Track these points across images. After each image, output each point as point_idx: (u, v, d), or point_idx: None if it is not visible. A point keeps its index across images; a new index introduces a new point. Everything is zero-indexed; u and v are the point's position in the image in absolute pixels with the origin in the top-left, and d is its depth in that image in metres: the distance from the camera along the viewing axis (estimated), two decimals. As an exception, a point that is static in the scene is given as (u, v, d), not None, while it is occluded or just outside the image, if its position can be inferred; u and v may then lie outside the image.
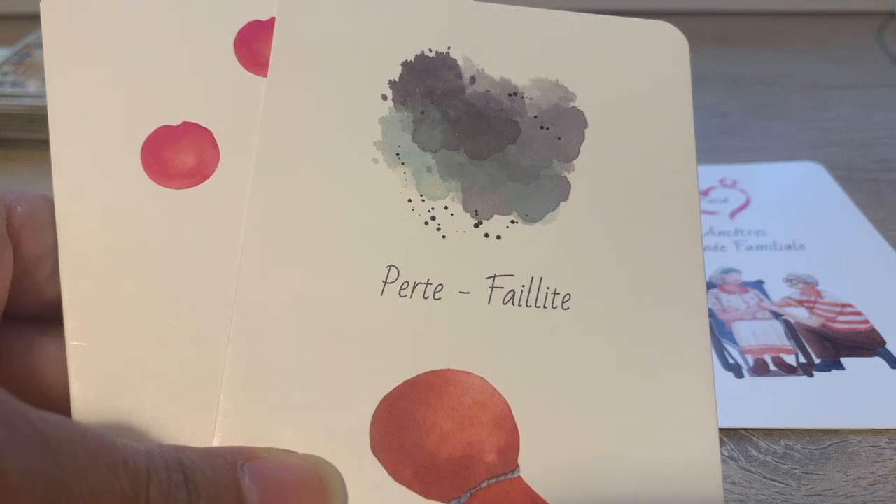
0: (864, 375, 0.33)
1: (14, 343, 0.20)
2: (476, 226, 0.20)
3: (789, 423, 0.31)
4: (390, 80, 0.20)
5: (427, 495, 0.18)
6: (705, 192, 0.47)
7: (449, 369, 0.19)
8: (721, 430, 0.31)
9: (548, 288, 0.20)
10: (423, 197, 0.20)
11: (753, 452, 0.30)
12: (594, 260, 0.20)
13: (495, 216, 0.20)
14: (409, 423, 0.18)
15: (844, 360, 0.34)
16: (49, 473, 0.13)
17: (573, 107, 0.21)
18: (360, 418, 0.18)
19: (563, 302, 0.19)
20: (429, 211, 0.20)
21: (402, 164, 0.20)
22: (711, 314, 0.37)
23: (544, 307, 0.19)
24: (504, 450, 0.18)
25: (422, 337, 0.19)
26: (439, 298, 0.19)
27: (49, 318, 0.20)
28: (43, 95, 0.51)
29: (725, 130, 0.54)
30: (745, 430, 0.31)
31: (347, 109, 0.20)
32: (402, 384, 0.19)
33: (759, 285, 0.39)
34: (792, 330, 0.36)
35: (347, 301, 0.19)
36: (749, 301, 0.38)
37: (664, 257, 0.20)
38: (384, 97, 0.20)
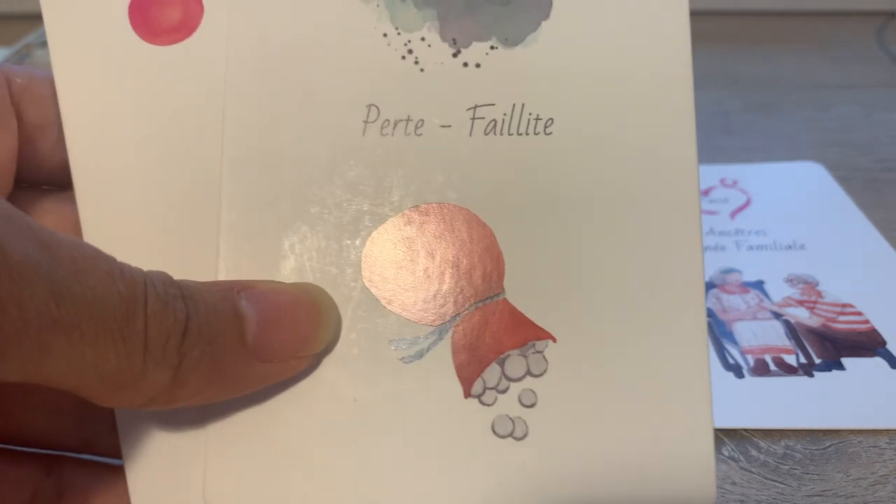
0: (865, 376, 0.33)
1: (23, 209, 0.21)
2: (455, 55, 0.19)
3: (790, 424, 0.31)
4: None
5: (419, 320, 0.19)
6: (705, 192, 0.47)
7: (434, 203, 0.19)
8: (721, 430, 0.31)
9: (530, 114, 0.19)
10: (399, 30, 0.19)
11: (754, 453, 0.30)
12: (577, 80, 0.19)
13: (474, 43, 0.19)
14: (399, 255, 0.19)
15: (845, 361, 0.34)
16: (49, 266, 0.14)
17: None
18: (353, 252, 0.19)
19: (546, 127, 0.19)
20: (405, 44, 0.19)
21: None
22: (711, 314, 0.37)
23: (526, 134, 0.19)
24: (489, 275, 0.19)
25: (405, 173, 0.19)
26: (421, 134, 0.19)
27: (55, 185, 0.21)
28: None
29: (726, 130, 0.54)
30: (746, 430, 0.31)
31: None
32: (389, 221, 0.19)
33: (759, 285, 0.39)
34: (792, 330, 0.36)
35: (330, 144, 0.19)
36: (749, 301, 0.38)
37: (651, 72, 0.19)
38: None
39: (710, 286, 0.39)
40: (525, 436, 0.19)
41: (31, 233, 0.14)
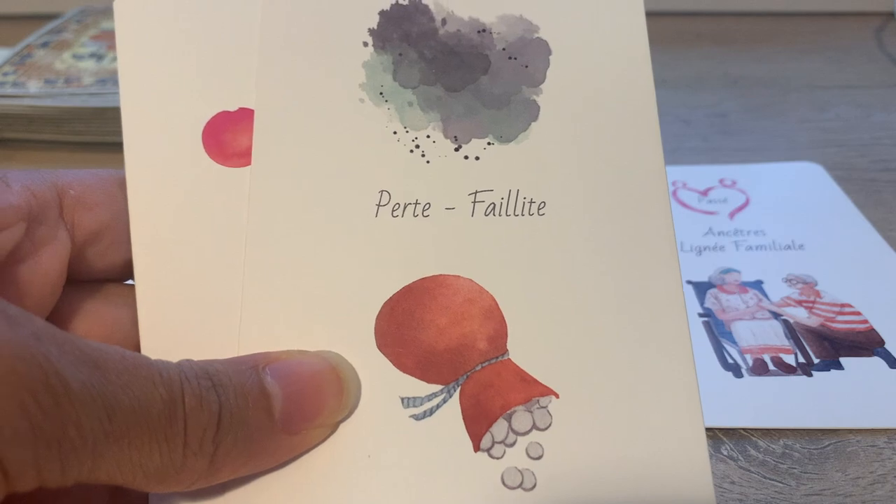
0: (863, 375, 0.33)
1: (70, 307, 0.22)
2: (456, 150, 0.22)
3: (788, 423, 0.31)
4: (369, 29, 0.23)
5: (428, 380, 0.20)
6: (705, 193, 0.47)
7: (440, 274, 0.21)
8: (720, 429, 0.31)
9: (524, 198, 0.22)
10: (407, 129, 0.22)
11: (752, 452, 0.30)
12: (565, 170, 0.22)
13: (473, 140, 0.22)
14: (409, 321, 0.21)
15: (843, 360, 0.34)
16: (101, 385, 0.15)
17: (537, 37, 0.23)
18: (366, 321, 0.21)
19: (539, 209, 0.22)
20: (413, 140, 0.22)
21: (386, 101, 0.22)
22: (710, 314, 0.37)
23: (522, 215, 0.22)
24: (493, 337, 0.21)
25: (415, 249, 0.21)
26: (428, 215, 0.22)
27: (102, 282, 0.23)
28: (42, 96, 0.51)
29: (725, 130, 0.54)
30: (745, 429, 0.31)
31: (333, 59, 0.22)
32: (401, 289, 0.21)
33: (758, 285, 0.39)
34: (791, 330, 0.36)
35: (347, 224, 0.21)
36: (748, 301, 0.38)
37: (627, 163, 0.22)
38: (365, 44, 0.23)
39: (708, 286, 0.39)
40: (534, 486, 0.20)
41: (82, 354, 0.15)
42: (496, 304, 0.21)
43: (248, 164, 0.22)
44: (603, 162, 0.22)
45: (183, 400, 0.17)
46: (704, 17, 0.71)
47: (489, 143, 0.22)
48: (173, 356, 0.18)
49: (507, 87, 0.23)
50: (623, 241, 0.21)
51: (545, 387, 0.20)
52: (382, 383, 0.20)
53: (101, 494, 0.21)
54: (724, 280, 0.39)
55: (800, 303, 0.37)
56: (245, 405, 0.18)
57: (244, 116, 0.22)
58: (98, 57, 0.55)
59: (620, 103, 0.22)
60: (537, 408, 0.20)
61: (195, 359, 0.18)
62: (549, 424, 0.20)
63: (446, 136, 0.22)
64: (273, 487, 0.19)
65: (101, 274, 0.23)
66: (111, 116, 0.50)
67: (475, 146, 0.22)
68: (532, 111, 0.22)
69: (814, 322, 0.36)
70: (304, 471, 0.20)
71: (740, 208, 0.45)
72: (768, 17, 0.74)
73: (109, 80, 0.52)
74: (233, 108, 0.22)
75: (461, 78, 0.22)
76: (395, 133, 0.22)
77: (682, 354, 0.21)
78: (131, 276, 0.21)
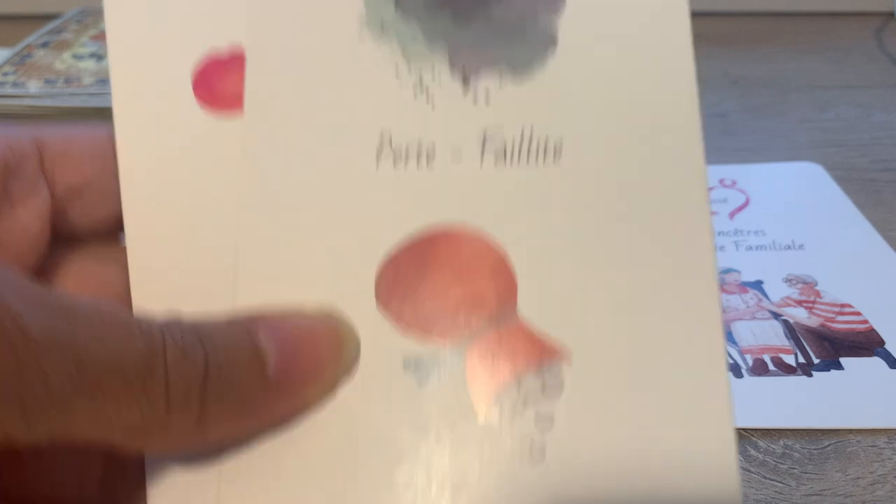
0: (864, 375, 0.33)
1: (57, 267, 0.21)
2: (464, 85, 0.20)
3: (788, 423, 0.31)
4: None
5: (433, 342, 0.19)
6: (705, 193, 0.47)
7: (445, 226, 0.19)
8: (720, 429, 0.31)
9: (539, 137, 0.20)
10: (411, 64, 0.20)
11: (752, 452, 0.30)
12: (586, 106, 0.20)
13: (483, 73, 0.20)
14: (412, 277, 0.19)
15: (843, 360, 0.34)
16: (69, 333, 0.14)
17: None
18: (366, 277, 0.19)
19: (556, 150, 0.19)
20: (417, 76, 0.20)
21: (388, 35, 0.20)
22: (711, 314, 0.37)
23: (537, 158, 0.19)
24: (502, 296, 0.19)
25: (418, 200, 0.20)
26: (433, 160, 0.20)
27: (91, 237, 0.22)
28: (42, 96, 0.51)
29: (725, 131, 0.54)
30: (744, 429, 0.31)
31: None
32: (403, 243, 0.19)
33: (758, 285, 0.39)
34: (791, 330, 0.36)
35: (345, 176, 0.20)
36: (748, 301, 0.38)
37: (658, 99, 0.20)
38: None
39: (709, 286, 0.39)
40: (543, 456, 0.18)
41: (48, 301, 0.14)
42: (506, 258, 0.19)
43: (241, 107, 0.20)
44: (629, 98, 0.20)
45: (164, 352, 0.15)
46: (704, 17, 0.71)
47: (501, 77, 0.20)
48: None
49: (522, 12, 0.20)
50: (649, 186, 0.19)
51: (557, 351, 0.19)
52: (383, 344, 0.19)
53: (94, 462, 0.20)
54: (724, 280, 0.39)
55: (800, 303, 0.37)
56: (236, 361, 0.16)
57: (236, 61, 0.21)
58: (98, 57, 0.55)
59: (650, 31, 0.20)
60: (549, 372, 0.19)
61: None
62: (561, 391, 0.19)
63: (453, 71, 0.20)
64: (267, 454, 0.18)
65: (88, 231, 0.22)
66: (111, 116, 0.50)
67: (485, 80, 0.20)
68: (549, 40, 0.20)
69: (814, 322, 0.36)
70: (302, 438, 0.18)
71: (740, 208, 0.45)
72: (768, 17, 0.74)
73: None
74: (224, 52, 0.21)
75: (471, 3, 0.20)
76: (397, 69, 0.20)
77: (710, 322, 0.19)
78: (120, 233, 0.20)
